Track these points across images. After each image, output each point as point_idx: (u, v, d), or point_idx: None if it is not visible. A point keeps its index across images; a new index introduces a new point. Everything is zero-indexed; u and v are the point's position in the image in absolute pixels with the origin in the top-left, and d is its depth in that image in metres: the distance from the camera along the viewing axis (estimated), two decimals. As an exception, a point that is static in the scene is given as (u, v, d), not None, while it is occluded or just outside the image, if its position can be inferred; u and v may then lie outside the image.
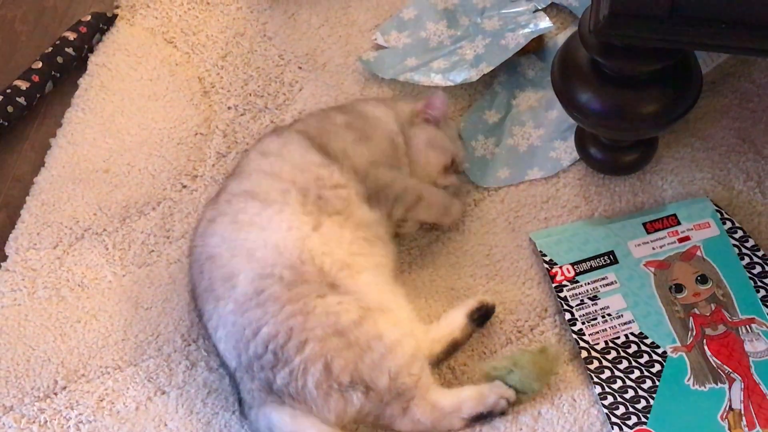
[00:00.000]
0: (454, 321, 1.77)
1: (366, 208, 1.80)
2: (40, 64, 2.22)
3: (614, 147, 1.91)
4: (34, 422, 1.78)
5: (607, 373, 1.72)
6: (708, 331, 1.75)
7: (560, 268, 1.84)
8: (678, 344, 1.74)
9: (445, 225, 1.93)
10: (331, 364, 1.62)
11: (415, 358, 1.66)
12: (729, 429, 1.65)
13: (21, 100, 2.17)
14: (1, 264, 1.98)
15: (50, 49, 2.25)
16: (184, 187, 2.05)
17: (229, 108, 2.16)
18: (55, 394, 1.81)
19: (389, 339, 1.65)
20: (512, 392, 1.69)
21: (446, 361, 1.76)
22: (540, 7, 2.18)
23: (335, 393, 1.62)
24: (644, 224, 1.87)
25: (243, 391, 1.67)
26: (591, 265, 1.84)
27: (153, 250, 1.97)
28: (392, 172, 1.86)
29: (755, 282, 1.79)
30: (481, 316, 1.79)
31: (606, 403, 1.69)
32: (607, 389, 1.70)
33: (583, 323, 1.77)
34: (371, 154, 1.84)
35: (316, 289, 1.67)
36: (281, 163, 1.80)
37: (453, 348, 1.76)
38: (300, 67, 2.21)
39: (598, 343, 1.75)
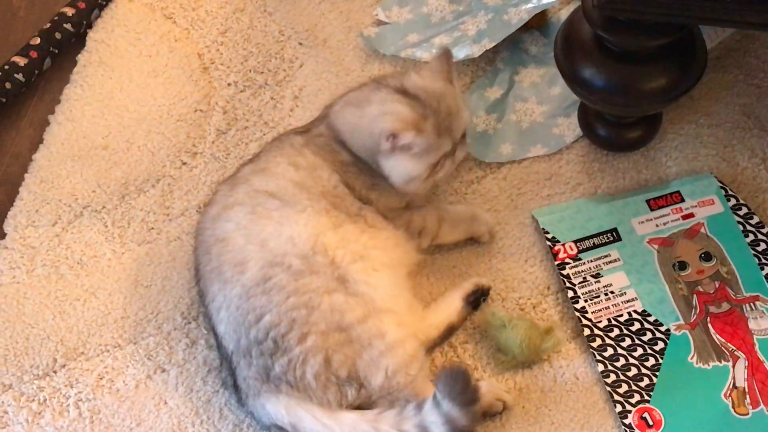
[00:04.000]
0: (451, 305, 1.75)
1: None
2: (38, 40, 2.20)
3: (618, 123, 1.89)
4: (33, 400, 1.77)
5: (610, 351, 1.70)
6: (712, 308, 1.73)
7: (563, 245, 1.82)
8: (681, 322, 1.72)
9: (484, 236, 1.86)
10: (331, 357, 1.61)
11: (414, 359, 1.64)
12: (732, 407, 1.64)
13: (19, 76, 2.15)
14: (0, 242, 1.97)
15: (48, 24, 2.22)
16: (184, 164, 2.04)
17: (228, 84, 2.14)
18: (55, 372, 1.80)
19: (391, 338, 1.63)
20: (509, 396, 1.68)
21: (442, 345, 1.74)
22: (543, -18, 2.15)
23: (333, 385, 1.61)
24: (648, 201, 1.85)
25: (239, 378, 1.66)
26: (594, 243, 1.82)
27: (152, 228, 1.96)
28: (407, 212, 1.81)
29: (759, 259, 1.77)
30: (477, 298, 1.77)
31: (609, 381, 1.68)
32: (610, 367, 1.69)
33: (585, 301, 1.76)
34: (387, 201, 1.78)
35: (325, 284, 1.64)
36: (312, 182, 1.74)
37: (449, 332, 1.74)
38: (300, 43, 2.19)
39: (600, 321, 1.74)
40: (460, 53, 2.06)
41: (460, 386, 1.54)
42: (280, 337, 1.62)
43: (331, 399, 1.61)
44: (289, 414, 1.61)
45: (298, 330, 1.61)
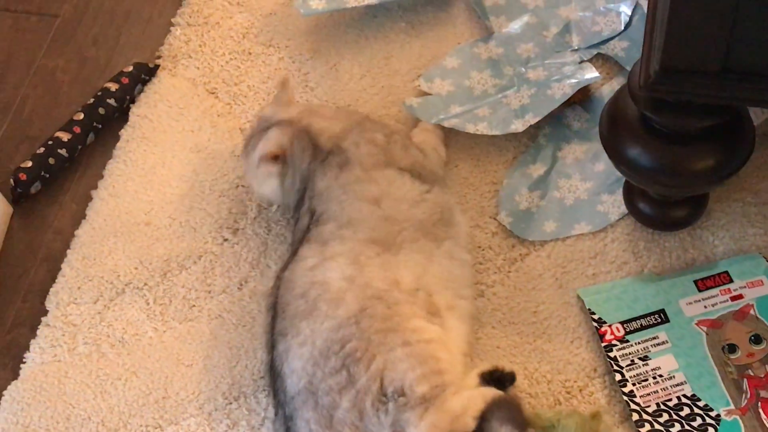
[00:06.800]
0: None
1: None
2: (81, 116, 2.21)
3: (664, 202, 1.87)
4: (73, 482, 1.76)
5: (659, 437, 1.67)
6: (763, 393, 1.70)
7: (609, 326, 1.79)
8: (732, 407, 1.69)
9: None
10: (384, 376, 1.60)
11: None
12: (786, 497, 1.60)
13: (62, 151, 2.16)
14: (42, 319, 1.96)
15: (92, 100, 2.24)
16: (225, 240, 2.03)
17: (270, 159, 2.14)
18: (95, 453, 1.79)
19: (444, 365, 1.63)
20: None
21: None
22: (585, 58, 2.14)
23: (382, 406, 1.59)
24: (696, 282, 1.82)
25: (297, 421, 1.62)
26: (641, 324, 1.79)
27: (194, 305, 1.95)
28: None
29: (811, 342, 1.74)
30: (495, 379, 1.69)
31: (658, 468, 1.64)
32: (660, 454, 1.66)
33: (633, 384, 1.73)
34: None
35: (413, 311, 1.68)
36: (396, 205, 1.81)
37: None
38: (342, 118, 2.19)
39: (649, 406, 1.70)
40: (503, 128, 2.05)
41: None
42: (355, 362, 1.61)
43: (386, 426, 1.58)
44: None
45: (370, 352, 1.62)
